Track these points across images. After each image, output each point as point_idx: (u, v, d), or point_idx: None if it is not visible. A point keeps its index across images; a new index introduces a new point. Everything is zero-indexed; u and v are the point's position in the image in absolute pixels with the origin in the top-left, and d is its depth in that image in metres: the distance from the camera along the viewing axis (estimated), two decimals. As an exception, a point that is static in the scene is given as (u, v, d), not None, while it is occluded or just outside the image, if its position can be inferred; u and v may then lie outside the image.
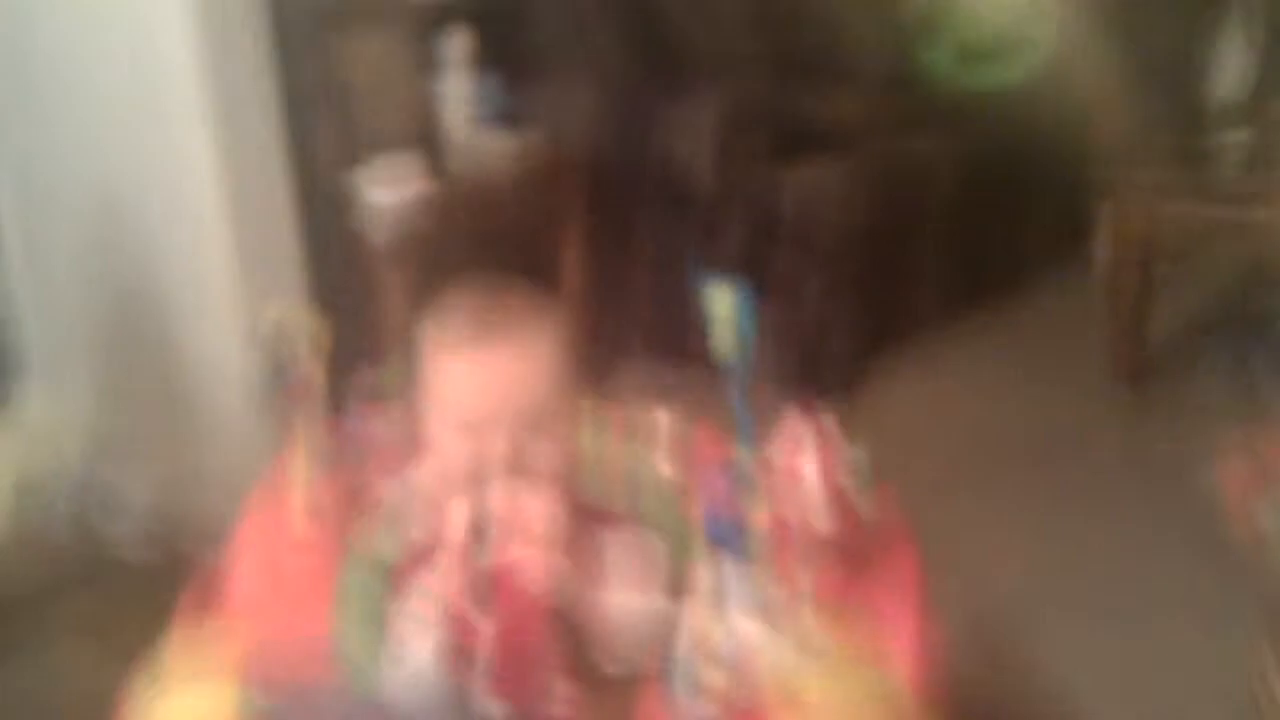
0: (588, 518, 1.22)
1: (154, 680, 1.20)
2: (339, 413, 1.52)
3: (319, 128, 2.57)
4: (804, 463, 1.26)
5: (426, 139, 2.79)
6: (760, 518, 1.06)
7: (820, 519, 1.25)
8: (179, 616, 1.32)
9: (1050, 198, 3.66)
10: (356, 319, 1.47)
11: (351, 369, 1.51)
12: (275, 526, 1.43)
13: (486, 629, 1.09)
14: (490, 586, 1.10)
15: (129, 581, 2.37)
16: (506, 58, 2.96)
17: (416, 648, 1.15)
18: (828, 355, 2.90)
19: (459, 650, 1.11)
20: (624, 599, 1.17)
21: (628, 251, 3.11)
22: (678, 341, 3.06)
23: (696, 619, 1.07)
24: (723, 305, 1.39)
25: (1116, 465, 2.63)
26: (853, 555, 1.28)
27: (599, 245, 3.02)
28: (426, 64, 2.83)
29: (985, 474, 2.51)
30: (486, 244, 2.77)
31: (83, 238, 2.56)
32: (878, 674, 1.17)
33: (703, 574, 1.06)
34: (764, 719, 1.13)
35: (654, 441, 1.48)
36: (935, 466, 1.40)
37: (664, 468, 1.43)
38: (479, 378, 1.20)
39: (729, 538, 1.04)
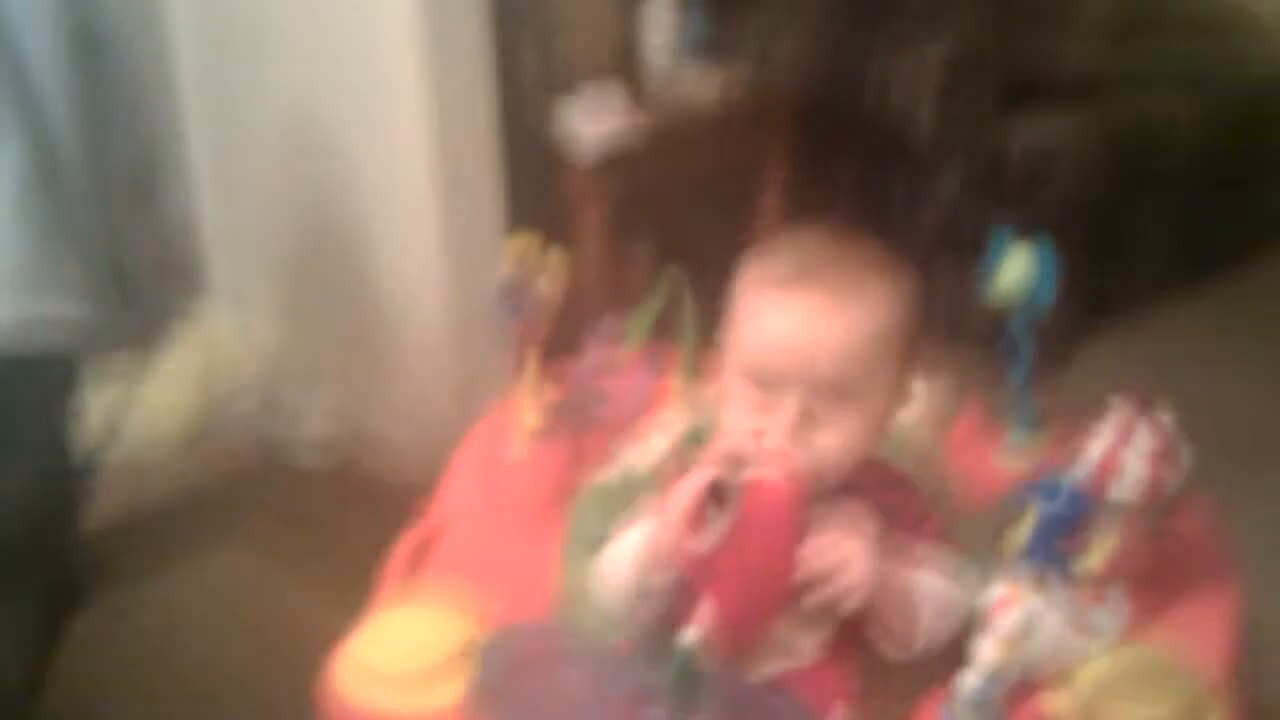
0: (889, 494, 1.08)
1: (371, 608, 1.14)
2: (571, 355, 1.44)
3: (524, 56, 2.49)
4: (1131, 460, 1.08)
5: (630, 70, 2.71)
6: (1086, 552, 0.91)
7: (1141, 529, 1.09)
8: (396, 548, 1.24)
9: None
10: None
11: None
12: (498, 452, 1.38)
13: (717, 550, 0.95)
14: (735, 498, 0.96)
15: (305, 490, 2.41)
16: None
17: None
18: (1047, 322, 2.71)
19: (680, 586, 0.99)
20: (927, 579, 1.03)
21: (833, 201, 2.96)
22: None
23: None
24: (1016, 265, 1.25)
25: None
26: (1168, 570, 1.15)
27: (803, 191, 2.87)
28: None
29: (1211, 458, 2.31)
30: (688, 180, 2.67)
31: (277, 159, 2.55)
32: (1171, 666, 1.04)
33: (1008, 604, 0.90)
34: (1036, 699, 1.01)
35: (913, 417, 1.33)
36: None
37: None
38: (782, 323, 1.01)
39: (1053, 558, 0.90)
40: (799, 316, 1.01)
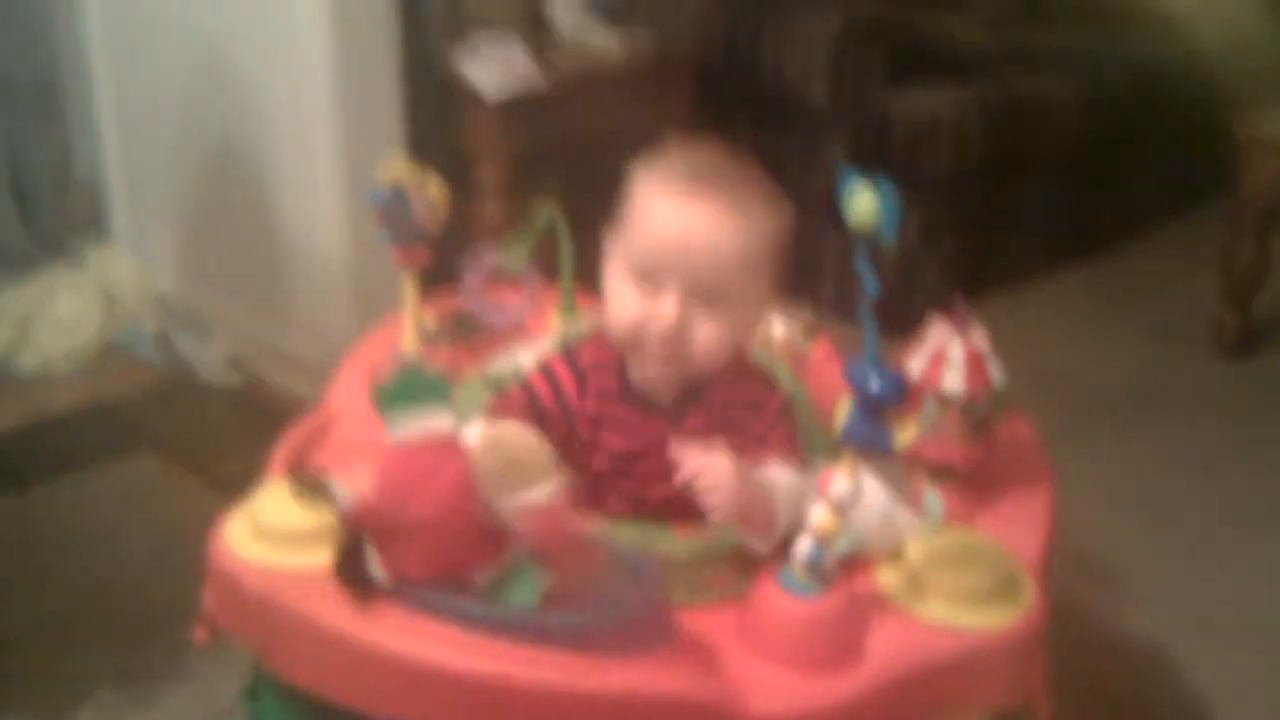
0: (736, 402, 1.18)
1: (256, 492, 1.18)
2: (448, 286, 1.49)
3: (429, 2, 2.52)
4: (947, 377, 1.19)
5: (535, 25, 2.73)
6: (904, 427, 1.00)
7: (955, 443, 1.20)
8: (286, 435, 1.30)
9: (1172, 152, 3.56)
10: (451, 206, 1.43)
11: (446, 250, 1.48)
12: (385, 350, 1.43)
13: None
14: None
15: (211, 403, 2.48)
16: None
17: None
18: (923, 293, 2.82)
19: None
20: (780, 476, 1.12)
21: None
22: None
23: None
24: (863, 204, 1.33)
25: (1208, 427, 2.58)
26: (993, 472, 1.26)
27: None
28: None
29: (1073, 424, 2.45)
30: (586, 134, 2.72)
31: (182, 87, 2.58)
32: (992, 547, 1.14)
33: (836, 475, 0.99)
34: (869, 572, 1.11)
35: (770, 348, 1.44)
36: (1026, 410, 1.42)
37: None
38: (673, 223, 1.12)
39: (873, 437, 0.98)
40: (689, 219, 1.11)
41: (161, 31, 2.57)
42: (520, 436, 0.97)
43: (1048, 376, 2.65)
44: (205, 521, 1.14)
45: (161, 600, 1.79)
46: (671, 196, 1.12)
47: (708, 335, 1.13)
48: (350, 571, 0.98)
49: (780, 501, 1.10)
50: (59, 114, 2.16)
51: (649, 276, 1.12)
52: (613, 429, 1.19)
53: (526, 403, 1.18)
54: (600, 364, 1.19)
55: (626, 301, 1.14)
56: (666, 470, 1.09)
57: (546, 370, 1.21)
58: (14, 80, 1.60)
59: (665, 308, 1.11)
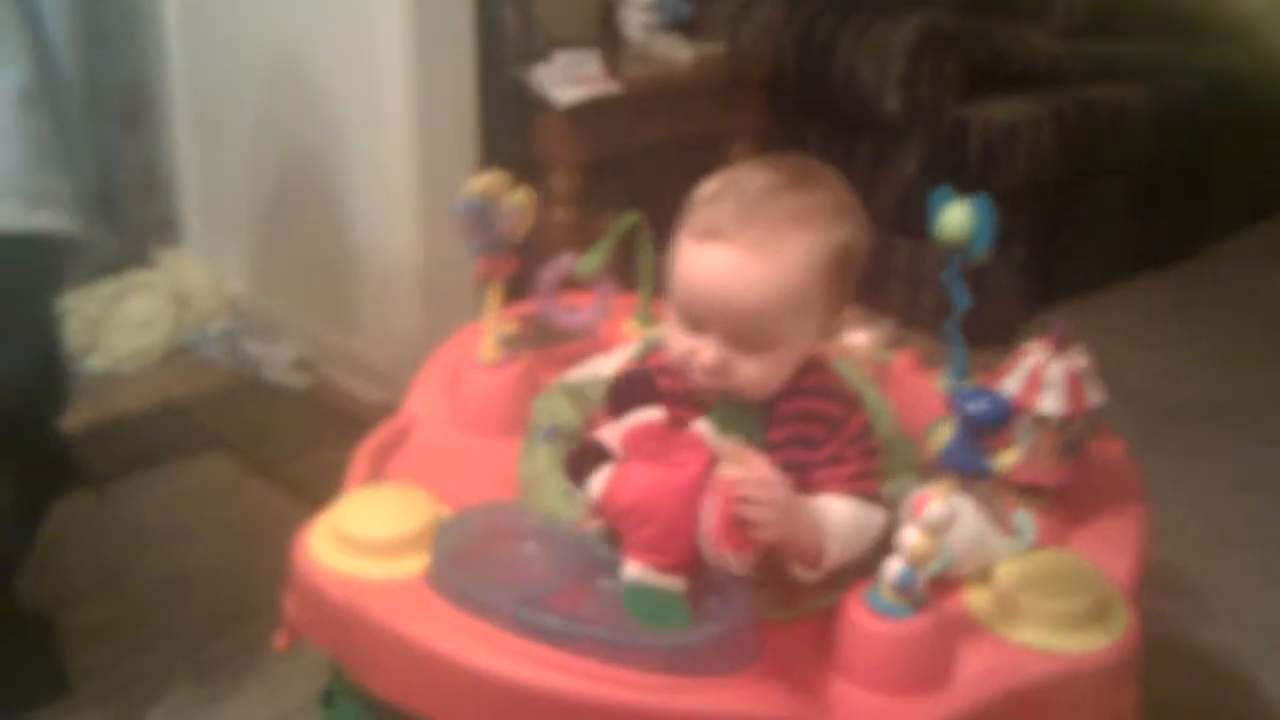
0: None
1: (344, 487, 1.19)
2: (524, 297, 1.50)
3: (505, 18, 2.53)
4: (1045, 398, 1.18)
5: (606, 40, 2.76)
6: (1003, 452, 0.98)
7: (1048, 465, 1.18)
8: (365, 441, 1.30)
9: (1248, 161, 3.51)
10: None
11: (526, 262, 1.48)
12: (465, 357, 1.42)
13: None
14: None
15: (280, 405, 2.48)
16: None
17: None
18: (998, 304, 2.79)
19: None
20: (836, 507, 1.08)
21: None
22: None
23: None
24: (955, 219, 1.32)
25: (1277, 444, 2.53)
26: (1085, 491, 1.24)
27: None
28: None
29: (1147, 437, 2.41)
30: (658, 143, 2.72)
31: (259, 95, 2.60)
32: (1084, 569, 1.12)
33: (931, 498, 0.97)
34: (958, 593, 1.10)
35: (850, 359, 1.43)
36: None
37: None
38: (696, 275, 1.05)
39: (972, 462, 0.96)
40: (713, 271, 1.04)
41: (239, 40, 2.60)
42: None
43: (1122, 388, 2.57)
44: (273, 521, 1.15)
45: (232, 599, 1.81)
46: (695, 244, 1.05)
47: (752, 374, 1.06)
48: (640, 600, 0.98)
49: (831, 534, 1.05)
50: (144, 119, 2.19)
51: (689, 319, 1.07)
52: None
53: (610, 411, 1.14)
54: (669, 369, 1.13)
55: (672, 335, 1.09)
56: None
57: (618, 379, 1.17)
58: (104, 88, 1.63)
59: (704, 353, 1.05)
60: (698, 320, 1.05)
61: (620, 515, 0.99)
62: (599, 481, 1.00)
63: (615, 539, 1.02)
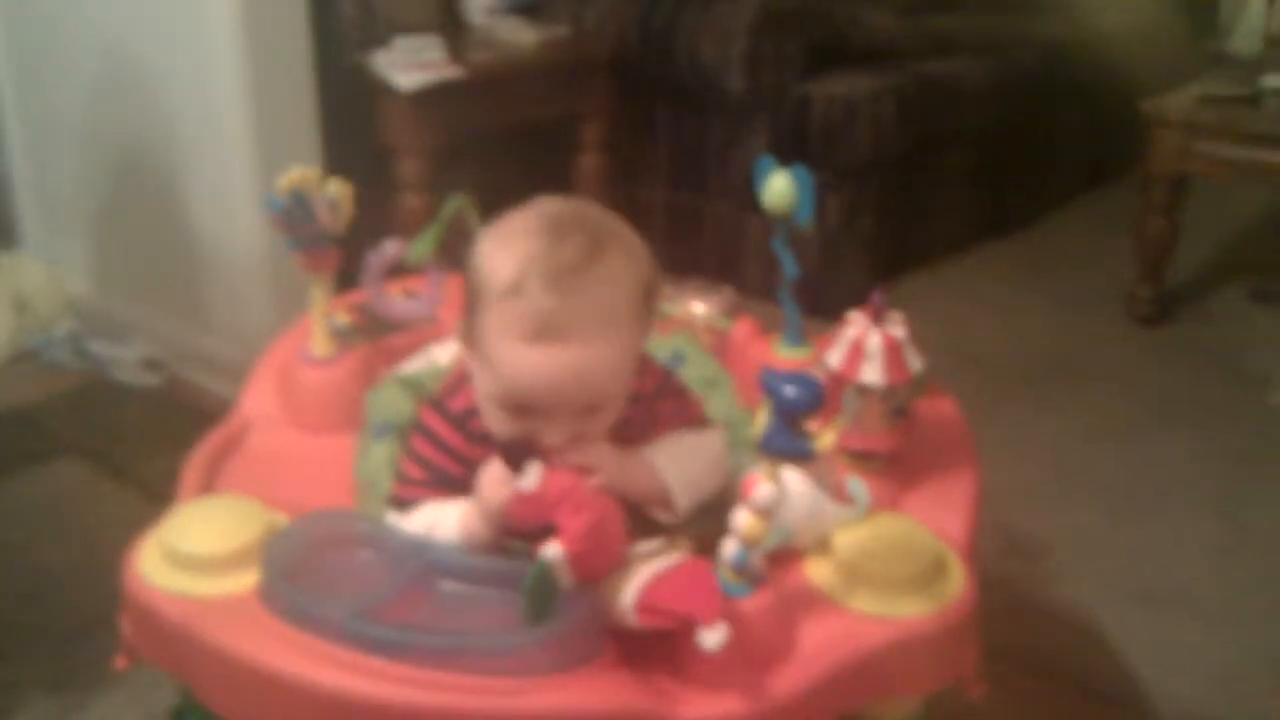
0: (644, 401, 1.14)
1: (177, 500, 1.17)
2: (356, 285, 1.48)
3: (342, 3, 2.49)
4: (866, 368, 1.20)
5: (448, 25, 2.73)
6: (821, 430, 0.99)
7: (877, 432, 1.21)
8: (197, 448, 1.27)
9: (1083, 131, 3.63)
10: (368, 202, 1.40)
11: (364, 247, 1.46)
12: (296, 353, 1.40)
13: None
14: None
15: (130, 407, 2.44)
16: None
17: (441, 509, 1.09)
18: (846, 274, 2.85)
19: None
20: (667, 451, 1.12)
21: (649, 150, 3.05)
22: (692, 248, 3.03)
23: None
24: (778, 189, 1.34)
25: (1125, 396, 2.63)
26: (917, 454, 1.27)
27: (620, 138, 2.96)
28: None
29: (992, 397, 2.52)
30: (509, 134, 2.71)
31: (90, 91, 2.53)
32: (919, 533, 1.14)
33: (758, 481, 0.99)
34: (798, 566, 1.12)
35: (691, 332, 1.44)
36: (948, 386, 1.45)
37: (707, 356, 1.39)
38: (533, 379, 1.01)
39: (791, 446, 0.97)
40: (551, 374, 1.00)
41: (67, 32, 2.52)
42: None
43: (966, 352, 2.70)
44: (128, 526, 1.12)
45: (88, 607, 1.76)
46: (530, 345, 1.00)
47: (594, 433, 1.06)
48: (544, 583, 0.96)
49: (669, 471, 1.09)
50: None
51: (521, 410, 1.04)
52: None
53: (428, 478, 1.11)
54: (477, 410, 1.10)
55: (502, 424, 1.05)
56: None
57: (425, 431, 1.13)
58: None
59: (550, 436, 1.03)
60: (533, 412, 1.03)
61: (556, 502, 0.98)
62: (535, 472, 0.99)
63: (530, 535, 1.01)
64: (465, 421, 1.10)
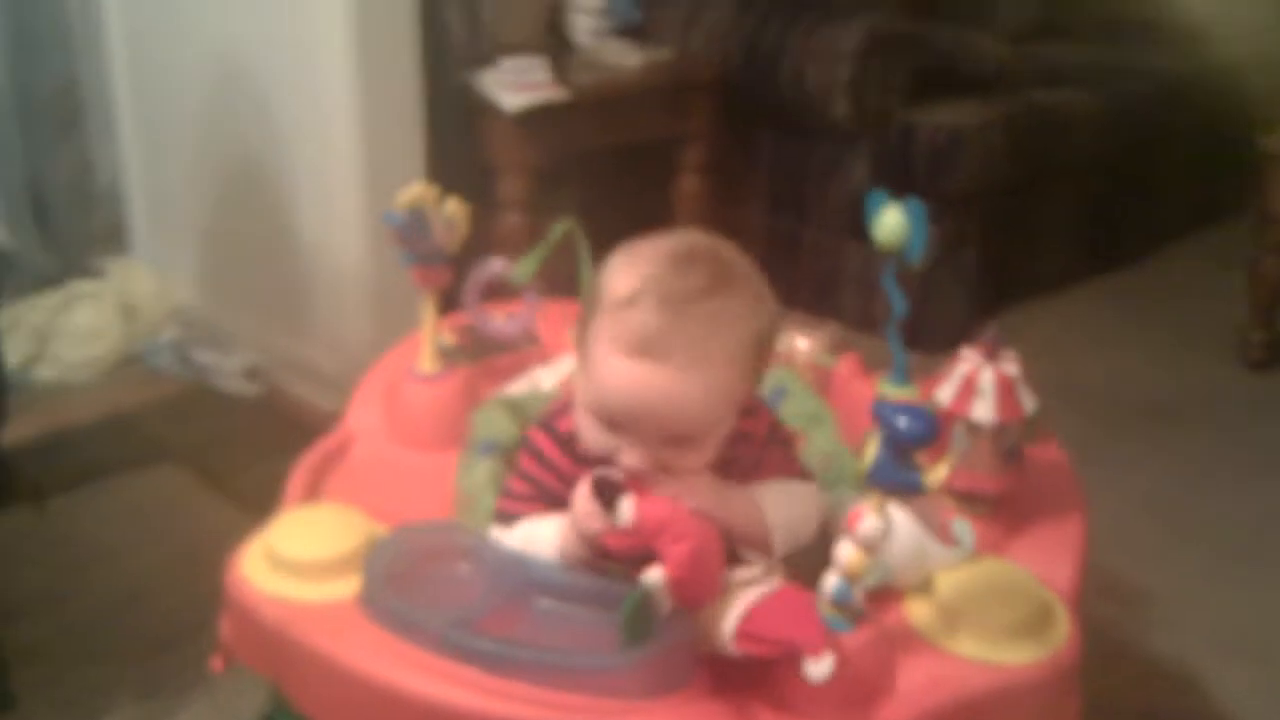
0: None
1: (281, 507, 1.18)
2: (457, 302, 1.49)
3: (451, 22, 2.52)
4: (977, 406, 1.18)
5: (554, 45, 2.76)
6: (934, 467, 0.97)
7: (986, 472, 1.19)
8: (302, 459, 1.29)
9: (1196, 164, 3.54)
10: (473, 220, 1.41)
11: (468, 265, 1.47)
12: (403, 369, 1.41)
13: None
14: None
15: (230, 414, 2.48)
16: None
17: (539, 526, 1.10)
18: (947, 307, 2.81)
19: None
20: (770, 492, 1.10)
21: (747, 177, 3.03)
22: (789, 275, 3.01)
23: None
24: (890, 223, 1.32)
25: (1233, 442, 2.55)
26: (1023, 499, 1.24)
27: (721, 164, 2.94)
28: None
29: (1096, 438, 2.44)
30: (610, 155, 2.72)
31: (202, 103, 2.58)
32: (1023, 578, 1.12)
33: (864, 513, 0.97)
34: (898, 605, 1.10)
35: (793, 368, 1.43)
36: (1050, 425, 1.41)
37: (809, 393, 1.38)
38: (628, 393, 1.01)
39: (901, 478, 0.95)
40: (643, 389, 1.00)
41: (183, 45, 2.58)
42: None
43: (1071, 390, 2.64)
44: (225, 533, 1.14)
45: (181, 612, 1.79)
46: (626, 359, 1.00)
47: (683, 464, 1.04)
48: (643, 608, 0.96)
49: (773, 513, 1.08)
50: (78, 127, 2.15)
51: (610, 424, 1.03)
52: None
53: (533, 494, 1.12)
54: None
55: (591, 433, 1.05)
56: None
57: (532, 449, 1.13)
58: (34, 95, 1.60)
59: (629, 458, 1.02)
60: (622, 427, 1.03)
61: (655, 533, 0.98)
62: (629, 505, 0.98)
63: (632, 563, 1.00)
64: (571, 442, 1.10)
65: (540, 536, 1.08)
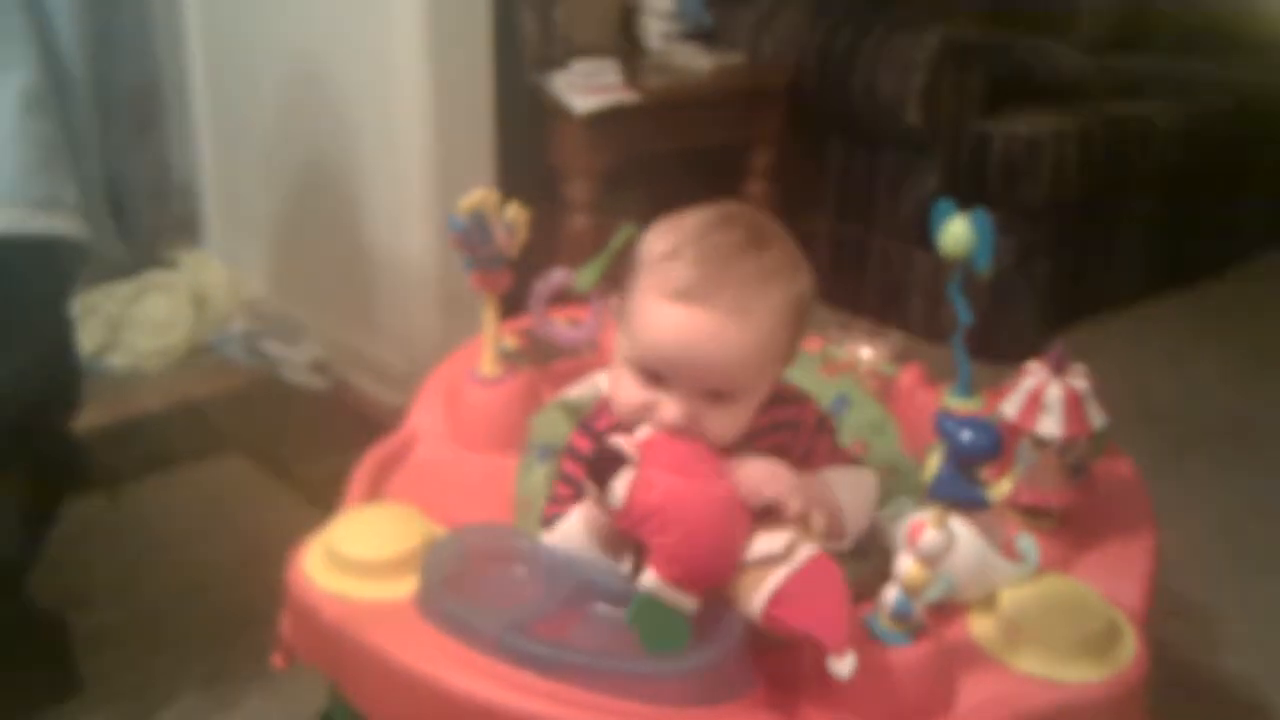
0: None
1: (342, 505, 1.19)
2: (524, 310, 1.49)
3: (524, 25, 2.53)
4: (1044, 420, 1.16)
5: (626, 48, 2.76)
6: (998, 482, 0.95)
7: (1052, 487, 1.17)
8: (365, 457, 1.30)
9: (1274, 181, 3.47)
10: (535, 221, 1.41)
11: (533, 267, 1.47)
12: (465, 372, 1.42)
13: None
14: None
15: (297, 406, 2.49)
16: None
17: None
18: (1018, 318, 2.77)
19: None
20: (836, 475, 1.12)
21: (816, 183, 3.02)
22: (856, 283, 2.99)
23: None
24: (957, 234, 1.30)
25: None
26: (1091, 516, 1.22)
27: (786, 172, 2.92)
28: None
29: (1168, 457, 2.41)
30: (678, 158, 2.72)
31: (277, 102, 2.62)
32: (1089, 596, 1.10)
33: (925, 527, 0.96)
34: (961, 620, 1.08)
35: (856, 376, 1.42)
36: (1122, 443, 1.38)
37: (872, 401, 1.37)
38: (671, 335, 1.02)
39: (964, 493, 0.93)
40: (690, 329, 1.02)
41: (259, 44, 2.62)
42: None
43: (1140, 405, 2.59)
44: (289, 525, 1.15)
45: (246, 603, 1.79)
46: (671, 304, 1.02)
47: (717, 426, 1.05)
48: (649, 613, 0.96)
49: (843, 498, 1.10)
50: (156, 123, 2.20)
51: (650, 374, 1.05)
52: None
53: (574, 495, 1.12)
54: (621, 425, 1.09)
55: (628, 389, 1.06)
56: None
57: (572, 451, 1.15)
58: (112, 91, 1.63)
59: (668, 409, 1.03)
60: (661, 376, 1.04)
61: (641, 520, 0.97)
62: (622, 485, 0.98)
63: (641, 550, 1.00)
64: (604, 437, 1.10)
65: (570, 532, 1.09)
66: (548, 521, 1.13)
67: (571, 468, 1.13)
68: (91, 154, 1.56)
